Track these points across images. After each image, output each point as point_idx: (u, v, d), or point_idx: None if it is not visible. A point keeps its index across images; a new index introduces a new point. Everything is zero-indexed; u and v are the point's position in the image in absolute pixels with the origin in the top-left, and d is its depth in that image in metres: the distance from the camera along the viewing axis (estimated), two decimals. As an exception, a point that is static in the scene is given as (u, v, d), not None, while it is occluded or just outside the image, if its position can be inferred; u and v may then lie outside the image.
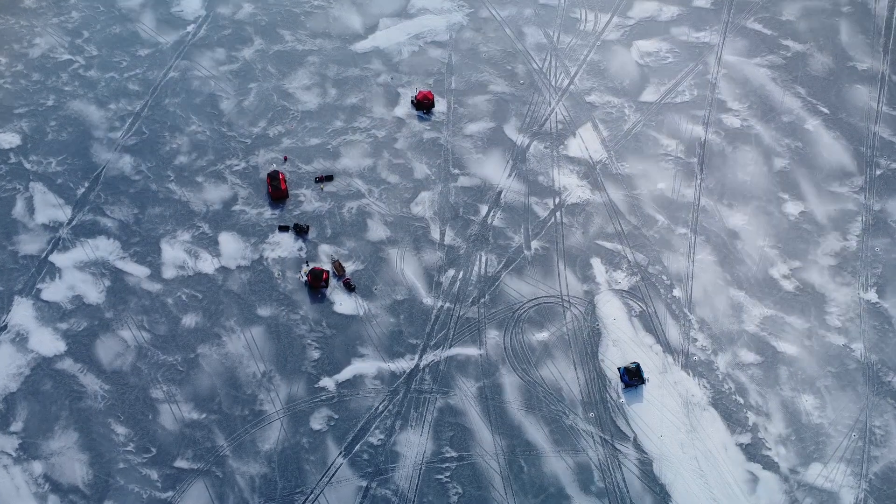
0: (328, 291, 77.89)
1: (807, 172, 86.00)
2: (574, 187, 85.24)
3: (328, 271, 78.48)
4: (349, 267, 79.39)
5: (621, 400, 71.59)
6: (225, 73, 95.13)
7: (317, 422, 70.45)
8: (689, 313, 76.48)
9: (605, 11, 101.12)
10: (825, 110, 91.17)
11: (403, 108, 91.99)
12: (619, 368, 72.87)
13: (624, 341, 74.75)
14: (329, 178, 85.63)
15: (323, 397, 71.86)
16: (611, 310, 76.68)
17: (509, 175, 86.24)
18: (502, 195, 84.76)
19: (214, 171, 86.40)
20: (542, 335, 75.05)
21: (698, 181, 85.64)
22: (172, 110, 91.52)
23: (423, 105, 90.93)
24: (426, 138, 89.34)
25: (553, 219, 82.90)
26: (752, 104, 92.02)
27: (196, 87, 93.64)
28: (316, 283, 77.30)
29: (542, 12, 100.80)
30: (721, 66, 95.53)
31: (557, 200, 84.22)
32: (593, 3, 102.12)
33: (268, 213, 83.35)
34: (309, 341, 74.95)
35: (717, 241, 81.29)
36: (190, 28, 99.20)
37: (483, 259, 79.88)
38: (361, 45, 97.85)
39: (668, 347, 74.50)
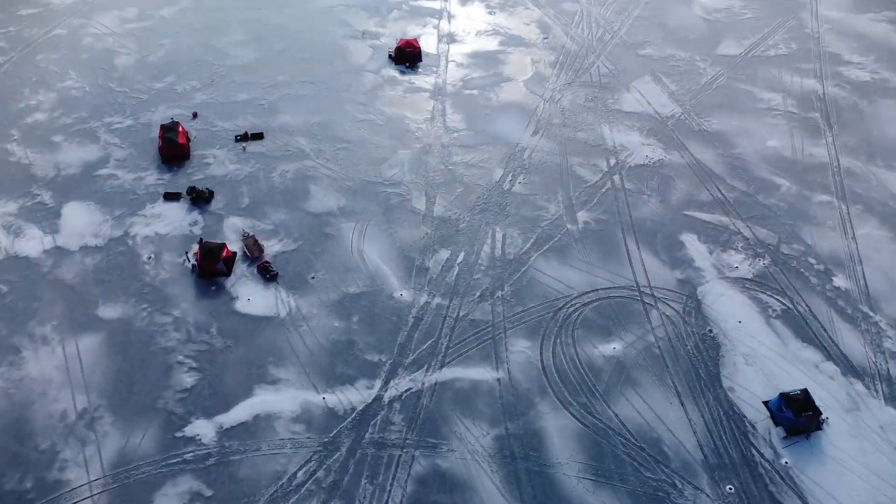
0: (229, 281, 44.10)
1: None
2: (637, 146, 54.13)
3: (234, 252, 45.32)
4: (272, 247, 46.19)
5: (784, 461, 35.39)
6: (131, 30, 67.58)
7: (171, 503, 33.91)
8: (871, 312, 42.04)
9: (651, -25, 75.74)
10: None
11: (377, 63, 63.28)
12: (768, 403, 37.43)
13: (764, 357, 39.82)
14: (257, 137, 54.81)
15: (188, 456, 35.70)
16: (730, 308, 42.49)
17: (535, 132, 55.48)
18: (526, 155, 53.33)
19: (83, 130, 55.74)
20: (612, 347, 40.28)
21: (829, 138, 54.53)
22: (44, 66, 62.72)
23: (406, 56, 62.57)
24: (409, 90, 59.62)
25: (610, 183, 50.84)
26: (880, 57, 63.25)
27: (86, 44, 65.60)
28: (209, 266, 43.92)
29: (567, -25, 75.32)
30: (821, 21, 68.02)
31: (613, 161, 52.65)
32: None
33: (152, 177, 51.52)
34: (181, 358, 39.99)
35: (885, 211, 48.77)
36: (98, -10, 73.14)
37: (499, 236, 46.90)
38: (325, 1, 71.41)
39: (849, 367, 39.40)
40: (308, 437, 36.42)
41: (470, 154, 53.49)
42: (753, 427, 36.74)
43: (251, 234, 46.82)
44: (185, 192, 49.80)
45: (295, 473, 35.01)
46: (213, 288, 43.77)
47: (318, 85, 60.39)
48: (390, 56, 63.32)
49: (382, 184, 50.99)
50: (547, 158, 53.13)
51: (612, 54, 64.10)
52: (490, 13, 70.06)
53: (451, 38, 66.38)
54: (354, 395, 38.19)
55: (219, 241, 45.54)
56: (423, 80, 61.06)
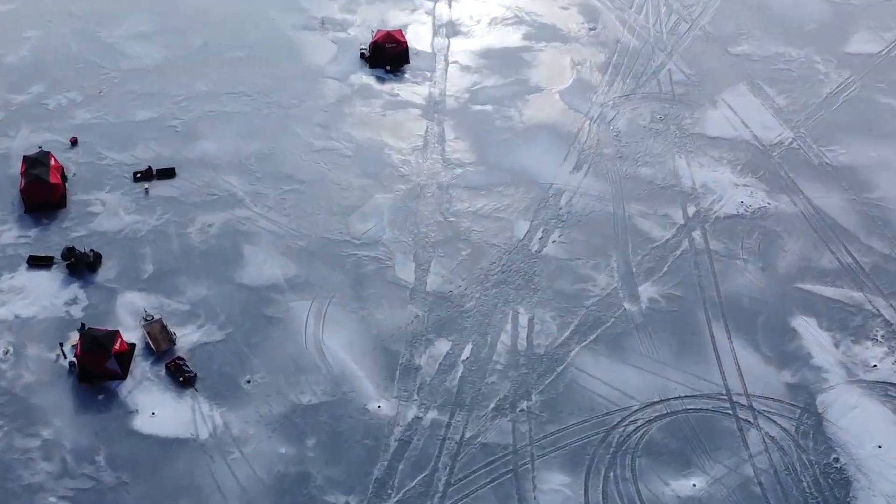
0: (125, 387, 48.15)
1: None
2: (728, 187, 59.27)
3: (132, 345, 49.46)
4: (187, 336, 50.34)
5: None
6: (-21, 16, 73.88)
7: None
8: None
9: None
10: None
11: (343, 65, 69.04)
12: (921, 564, 40.77)
13: (916, 499, 43.33)
14: (166, 174, 59.84)
15: None
16: (866, 426, 46.46)
17: (576, 168, 60.38)
18: (564, 200, 57.97)
19: None
20: (692, 485, 43.93)
21: None
22: None
23: (385, 55, 68.75)
24: (390, 106, 65.09)
25: (687, 242, 55.33)
26: None
27: (-88, 37, 71.61)
28: (95, 364, 48.15)
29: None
30: None
31: (692, 210, 57.27)
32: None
33: (10, 233, 56.82)
34: (53, 500, 43.76)
35: None
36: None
37: (523, 320, 51.19)
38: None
39: None
40: None
41: (481, 200, 58.20)
42: None
43: (157, 317, 50.75)
44: (59, 256, 54.06)
45: None
46: (100, 397, 47.50)
47: (255, 98, 65.86)
48: (363, 55, 69.36)
49: (351, 243, 55.52)
50: (595, 206, 57.81)
51: (690, 53, 69.88)
52: (510, -8, 76.38)
53: (452, 30, 72.10)
54: (309, 556, 41.51)
55: (109, 329, 49.35)
56: (411, 90, 66.42)
